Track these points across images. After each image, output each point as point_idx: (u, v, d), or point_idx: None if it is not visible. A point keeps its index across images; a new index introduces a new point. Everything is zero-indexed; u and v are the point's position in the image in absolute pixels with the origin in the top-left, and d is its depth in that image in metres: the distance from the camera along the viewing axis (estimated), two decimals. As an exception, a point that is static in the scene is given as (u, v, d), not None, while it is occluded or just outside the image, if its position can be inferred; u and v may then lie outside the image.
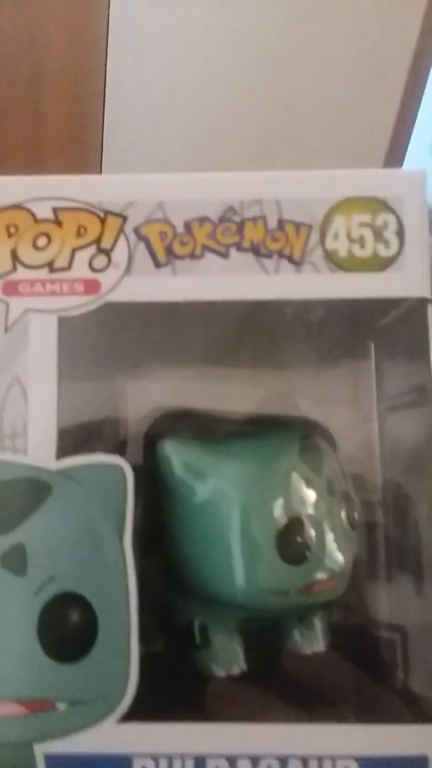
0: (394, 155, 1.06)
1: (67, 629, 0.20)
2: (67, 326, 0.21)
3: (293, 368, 0.29)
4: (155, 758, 0.20)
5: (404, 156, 1.10)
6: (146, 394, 0.28)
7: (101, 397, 0.28)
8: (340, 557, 0.23)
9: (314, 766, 0.20)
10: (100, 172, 0.96)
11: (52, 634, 0.20)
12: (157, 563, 0.24)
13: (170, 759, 0.20)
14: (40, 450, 0.21)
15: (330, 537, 0.23)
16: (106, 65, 0.99)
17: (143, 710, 0.20)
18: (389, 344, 0.26)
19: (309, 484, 0.23)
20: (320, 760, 0.20)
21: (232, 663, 0.23)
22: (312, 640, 0.24)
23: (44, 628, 0.20)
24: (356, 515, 0.24)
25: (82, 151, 1.02)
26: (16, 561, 0.20)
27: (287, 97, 1.04)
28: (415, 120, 1.08)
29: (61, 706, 0.20)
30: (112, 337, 0.26)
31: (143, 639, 0.21)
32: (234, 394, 0.29)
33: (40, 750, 0.20)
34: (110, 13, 0.95)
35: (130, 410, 0.28)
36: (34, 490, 0.21)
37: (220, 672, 0.23)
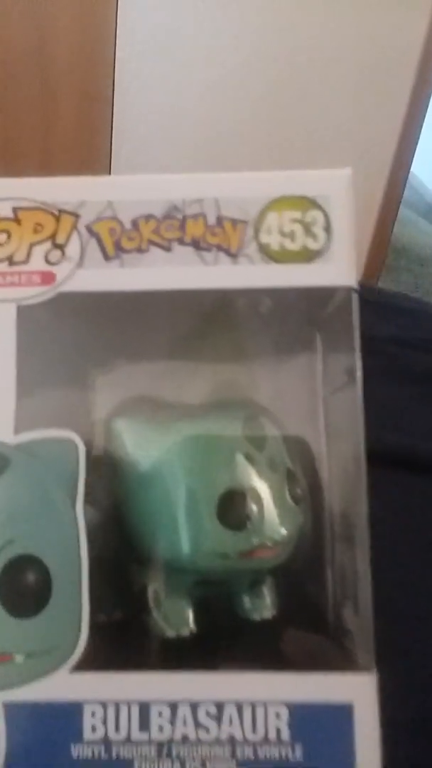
0: (404, 154, 1.08)
1: (25, 587, 0.22)
2: (32, 326, 0.24)
3: (252, 361, 0.31)
4: (104, 704, 0.22)
5: (413, 153, 1.12)
6: (113, 388, 0.29)
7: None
8: (280, 527, 0.25)
9: (248, 710, 0.21)
10: (109, 174, 0.98)
11: (11, 592, 0.22)
12: (116, 535, 0.26)
13: (117, 705, 0.22)
14: None
15: (270, 508, 0.25)
16: (114, 70, 1.01)
17: (94, 661, 0.22)
18: (332, 335, 0.28)
19: (250, 459, 0.25)
20: (253, 705, 0.21)
21: (182, 625, 0.25)
22: (261, 608, 0.26)
23: (3, 587, 0.22)
24: (299, 492, 0.26)
25: (91, 155, 1.04)
26: (-22, 527, 0.22)
27: (295, 98, 1.06)
28: (423, 120, 1.10)
29: (19, 658, 0.22)
30: (79, 338, 0.28)
31: (103, 608, 0.24)
32: (197, 387, 0.30)
33: (0, 698, 0.22)
34: (118, 17, 0.97)
35: (98, 403, 0.30)
36: (-5, 462, 0.23)
37: (170, 633, 0.25)
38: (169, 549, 0.24)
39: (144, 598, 0.25)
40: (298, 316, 0.29)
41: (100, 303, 0.24)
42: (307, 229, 0.23)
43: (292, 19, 1.02)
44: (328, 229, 0.23)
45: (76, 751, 0.21)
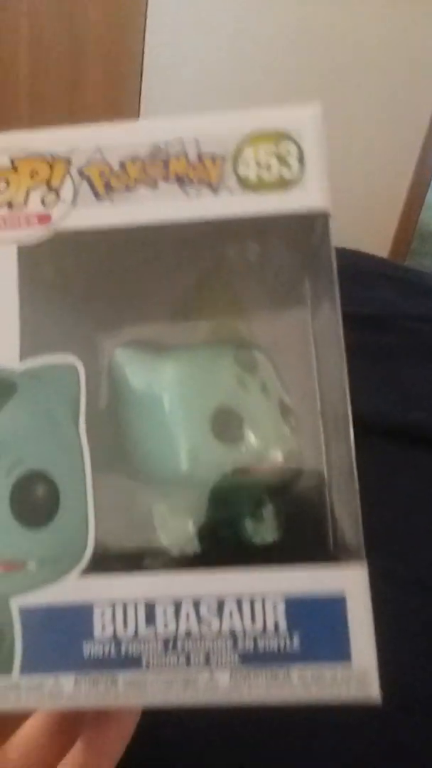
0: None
1: (35, 501, 0.24)
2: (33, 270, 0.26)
3: (249, 314, 0.33)
4: (112, 604, 0.23)
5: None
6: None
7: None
8: (274, 447, 0.26)
9: (247, 604, 0.23)
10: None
11: (22, 506, 0.24)
12: (120, 464, 0.28)
13: (125, 605, 0.23)
14: (6, 355, 0.25)
15: (263, 428, 0.26)
16: (144, 42, 1.03)
17: (102, 566, 0.23)
18: (318, 275, 0.30)
19: (241, 381, 0.26)
20: (252, 599, 0.23)
21: (186, 543, 0.26)
22: (262, 532, 0.28)
23: (15, 502, 0.24)
24: (294, 423, 0.28)
25: (119, 112, 1.06)
26: (-11, 449, 0.24)
27: (321, 69, 1.07)
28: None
29: (32, 565, 0.24)
30: (80, 303, 0.30)
31: (110, 534, 0.25)
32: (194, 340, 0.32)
33: (15, 603, 0.23)
34: None
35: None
36: (2, 388, 0.24)
37: (174, 551, 0.26)
38: (168, 467, 0.25)
39: (149, 520, 0.27)
40: (285, 258, 0.31)
41: (96, 243, 0.26)
42: (282, 161, 0.25)
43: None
44: (301, 159, 0.25)
45: (88, 649, 0.23)
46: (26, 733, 0.30)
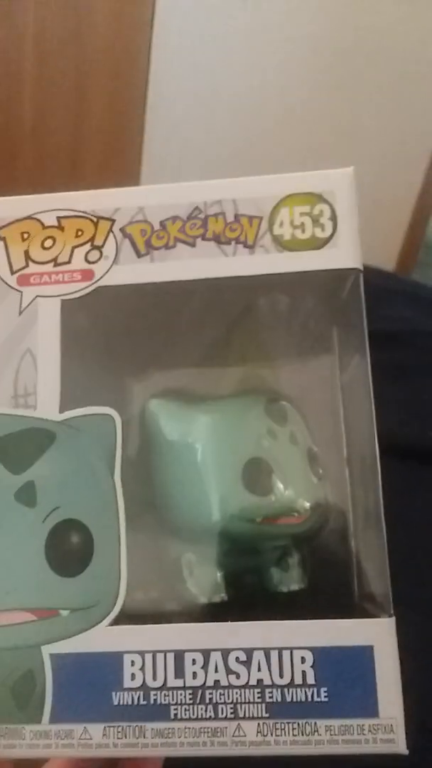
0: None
1: (69, 549, 0.24)
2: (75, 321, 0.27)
3: (276, 362, 0.33)
4: (141, 654, 0.23)
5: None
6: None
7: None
8: (301, 497, 0.26)
9: (275, 656, 0.23)
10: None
11: (57, 554, 0.24)
12: (150, 513, 0.28)
13: (154, 654, 0.23)
14: (46, 405, 0.25)
15: (292, 478, 0.26)
16: (149, 58, 1.05)
17: (131, 616, 0.24)
18: (346, 326, 0.30)
19: (271, 433, 0.27)
20: (280, 651, 0.23)
21: (214, 592, 0.27)
22: (288, 580, 0.28)
23: (50, 549, 0.24)
24: (321, 471, 0.28)
25: (122, 144, 1.07)
26: (27, 495, 0.25)
27: (334, 94, 1.08)
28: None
29: (64, 613, 0.24)
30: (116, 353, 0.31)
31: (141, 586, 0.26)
32: (225, 389, 0.33)
33: (47, 651, 0.24)
34: (155, 9, 1.01)
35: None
36: (42, 437, 0.25)
37: (202, 599, 0.27)
38: (198, 516, 0.26)
39: (178, 569, 0.27)
40: (313, 310, 0.31)
41: (134, 296, 0.27)
42: (315, 221, 0.26)
43: (335, 16, 1.04)
44: (334, 219, 0.26)
45: (117, 698, 0.23)
46: None
